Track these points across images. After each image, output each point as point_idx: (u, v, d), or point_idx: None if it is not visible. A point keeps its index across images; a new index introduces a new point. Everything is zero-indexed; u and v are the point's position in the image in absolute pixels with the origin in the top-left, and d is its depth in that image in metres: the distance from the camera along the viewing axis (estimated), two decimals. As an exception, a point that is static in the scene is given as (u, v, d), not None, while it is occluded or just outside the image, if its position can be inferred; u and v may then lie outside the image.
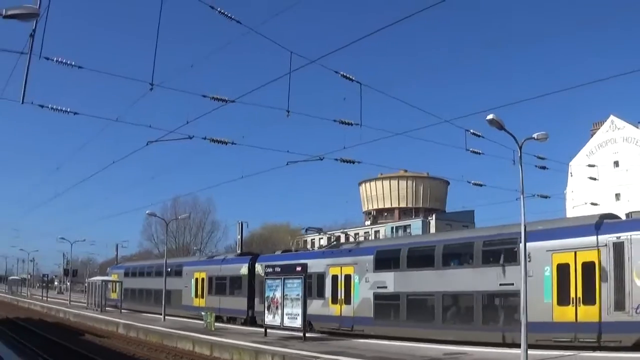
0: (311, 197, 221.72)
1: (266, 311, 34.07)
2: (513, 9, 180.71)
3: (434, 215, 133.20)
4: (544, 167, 32.24)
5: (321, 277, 38.20)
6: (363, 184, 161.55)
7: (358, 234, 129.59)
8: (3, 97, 25.43)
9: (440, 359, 23.84)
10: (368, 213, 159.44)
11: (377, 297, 34.20)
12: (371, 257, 35.29)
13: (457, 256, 31.26)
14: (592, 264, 24.74)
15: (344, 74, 25.48)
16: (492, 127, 22.59)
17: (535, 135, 23.29)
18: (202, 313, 41.04)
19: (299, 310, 31.42)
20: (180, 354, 29.35)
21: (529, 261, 24.00)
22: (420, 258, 32.76)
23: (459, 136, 29.51)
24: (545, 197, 39.00)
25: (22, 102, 21.85)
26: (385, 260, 34.82)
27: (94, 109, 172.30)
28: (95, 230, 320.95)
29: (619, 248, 24.10)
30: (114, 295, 63.70)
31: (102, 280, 61.62)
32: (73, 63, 22.55)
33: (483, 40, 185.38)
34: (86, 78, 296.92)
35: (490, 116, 22.42)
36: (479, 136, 29.14)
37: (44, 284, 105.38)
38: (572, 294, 25.22)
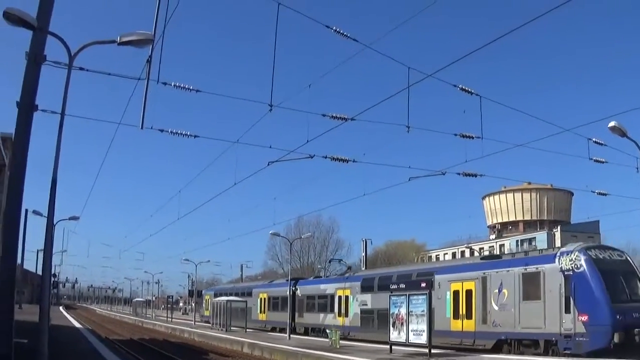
0: (434, 212, 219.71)
1: (391, 327, 33.68)
2: (631, 14, 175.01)
3: (558, 227, 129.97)
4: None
5: (332, 297, 51.72)
6: (487, 198, 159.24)
7: (483, 248, 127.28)
8: (123, 122, 25.96)
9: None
10: (492, 227, 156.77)
11: (362, 311, 47.05)
12: (359, 283, 48.32)
13: (403, 283, 36.60)
14: (471, 291, 35.69)
15: (463, 87, 25.03)
16: (614, 134, 21.76)
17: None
18: (328, 331, 41.44)
19: (424, 327, 30.75)
20: (305, 371, 29.25)
21: (439, 288, 37.56)
22: (384, 285, 41.59)
23: (581, 145, 28.68)
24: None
25: (142, 127, 22.22)
26: (367, 286, 47.29)
27: (213, 132, 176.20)
28: (219, 251, 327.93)
29: (484, 281, 34.84)
30: (207, 313, 78.61)
31: (227, 301, 62.32)
32: (191, 87, 22.83)
33: (603, 47, 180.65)
34: (205, 101, 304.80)
35: (612, 123, 21.67)
36: (601, 144, 28.17)
37: (169, 305, 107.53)
38: (461, 311, 36.28)
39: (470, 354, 32.04)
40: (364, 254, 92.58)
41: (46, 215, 15.08)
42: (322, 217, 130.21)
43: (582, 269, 29.23)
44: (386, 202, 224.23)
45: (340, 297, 50.31)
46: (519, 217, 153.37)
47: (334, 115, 24.80)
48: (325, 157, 27.80)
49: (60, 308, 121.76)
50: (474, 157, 28.46)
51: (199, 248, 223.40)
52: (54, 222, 16.59)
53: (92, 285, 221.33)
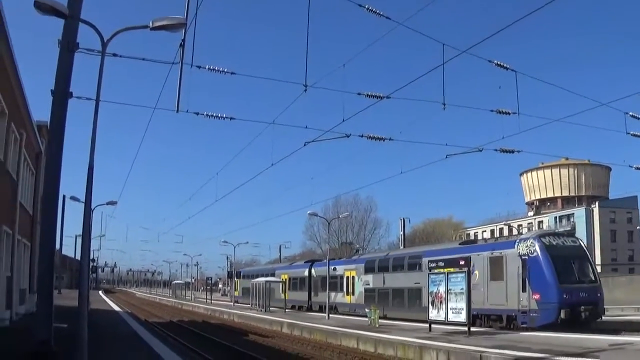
0: (472, 189, 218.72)
1: (430, 306, 33.63)
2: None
3: (596, 203, 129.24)
4: None
5: (341, 277, 56.10)
6: (524, 175, 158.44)
7: (521, 225, 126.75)
8: (158, 106, 26.04)
9: (605, 349, 22.69)
10: (530, 204, 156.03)
11: (365, 290, 51.45)
12: (363, 265, 53.00)
13: (399, 266, 46.90)
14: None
15: (498, 63, 24.75)
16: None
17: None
18: (367, 310, 41.26)
19: (464, 305, 30.66)
20: (344, 351, 29.06)
21: (426, 269, 37.58)
22: (384, 266, 49.70)
23: (619, 119, 28.29)
24: None
25: (177, 111, 22.26)
26: (369, 267, 51.92)
27: (249, 114, 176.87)
28: (258, 232, 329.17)
29: (473, 263, 34.91)
30: (236, 293, 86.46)
31: (266, 281, 62.70)
32: (226, 70, 22.80)
33: (639, 19, 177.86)
34: (239, 84, 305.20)
35: (647, 96, 21.39)
36: (639, 118, 27.82)
37: (208, 287, 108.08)
38: (458, 292, 34.87)
39: (509, 332, 31.99)
40: (402, 232, 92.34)
41: (84, 201, 15.15)
42: (359, 196, 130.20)
43: (535, 253, 33.36)
44: (424, 180, 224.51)
45: (347, 278, 55.38)
46: (557, 194, 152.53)
47: (369, 94, 24.68)
48: (362, 136, 27.67)
49: (100, 292, 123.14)
50: (510, 133, 28.28)
51: (238, 230, 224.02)
52: (92, 208, 16.67)
53: (131, 269, 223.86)
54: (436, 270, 33.56)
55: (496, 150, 28.75)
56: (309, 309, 60.52)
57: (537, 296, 32.48)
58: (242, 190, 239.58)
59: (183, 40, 20.29)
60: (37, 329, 16.75)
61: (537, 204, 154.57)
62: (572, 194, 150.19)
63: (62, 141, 17.87)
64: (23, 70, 26.95)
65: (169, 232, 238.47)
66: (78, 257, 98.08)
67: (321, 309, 56.00)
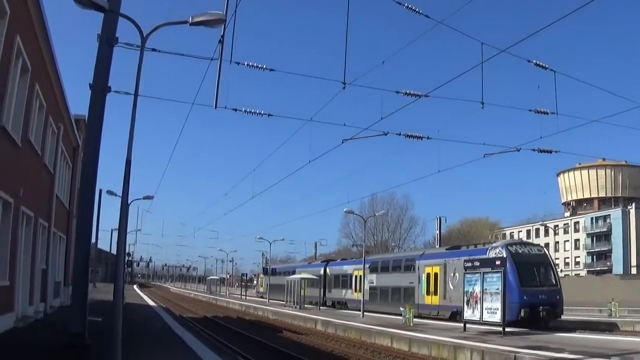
0: (509, 189, 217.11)
1: (465, 305, 33.51)
2: None
3: (633, 205, 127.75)
4: None
5: (350, 276, 61.22)
6: (561, 175, 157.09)
7: (557, 225, 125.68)
8: (197, 102, 26.11)
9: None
10: (567, 204, 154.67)
11: (370, 288, 55.56)
12: (368, 265, 55.70)
13: (397, 267, 51.93)
14: (437, 273, 45.23)
15: (537, 62, 24.55)
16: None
17: None
18: (401, 309, 41.47)
19: (499, 305, 30.43)
20: (378, 349, 28.95)
21: (418, 270, 47.96)
22: (385, 267, 55.38)
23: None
24: None
25: (216, 107, 22.30)
26: (373, 267, 56.48)
27: (287, 110, 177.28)
28: (294, 229, 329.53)
29: (445, 266, 44.42)
30: (262, 289, 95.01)
31: (301, 278, 62.77)
32: (264, 66, 22.78)
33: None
34: (278, 80, 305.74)
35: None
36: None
37: (243, 283, 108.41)
38: (431, 289, 45.74)
39: (544, 333, 31.82)
40: (437, 232, 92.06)
41: (120, 195, 15.19)
42: (396, 194, 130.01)
43: (503, 259, 34.20)
44: (461, 179, 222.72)
45: (356, 277, 59.72)
46: (594, 194, 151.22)
47: (407, 92, 24.58)
48: (399, 134, 27.62)
49: (135, 286, 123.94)
50: (548, 133, 28.03)
51: (274, 226, 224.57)
52: (129, 202, 16.68)
53: (166, 264, 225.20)
54: (471, 271, 33.35)
55: (534, 150, 28.56)
56: (323, 304, 65.04)
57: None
58: (279, 187, 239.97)
59: (222, 36, 20.32)
60: (71, 322, 16.82)
61: (574, 204, 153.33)
62: (609, 195, 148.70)
63: (100, 135, 17.92)
64: (61, 63, 27.14)
65: (205, 227, 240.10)
66: (114, 251, 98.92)
67: (333, 305, 63.74)
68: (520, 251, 38.78)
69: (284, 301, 66.80)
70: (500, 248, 39.04)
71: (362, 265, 53.97)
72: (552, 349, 23.22)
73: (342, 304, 61.18)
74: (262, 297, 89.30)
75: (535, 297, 35.84)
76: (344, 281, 62.35)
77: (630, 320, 42.85)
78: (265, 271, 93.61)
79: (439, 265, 45.09)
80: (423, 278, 46.96)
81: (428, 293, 46.00)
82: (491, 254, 38.16)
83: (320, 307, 59.69)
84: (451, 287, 42.56)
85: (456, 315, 39.62)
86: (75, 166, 39.44)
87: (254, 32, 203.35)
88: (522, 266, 36.78)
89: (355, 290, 59.08)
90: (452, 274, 42.84)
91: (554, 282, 38.37)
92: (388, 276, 53.02)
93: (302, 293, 62.16)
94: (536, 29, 20.83)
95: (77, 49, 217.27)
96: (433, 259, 46.94)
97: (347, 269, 62.66)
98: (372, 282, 55.80)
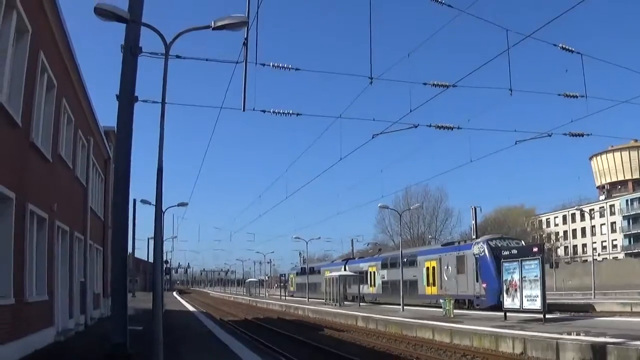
0: (543, 175, 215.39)
1: (505, 294, 33.38)
2: None
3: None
4: None
5: (365, 272, 68.54)
6: (594, 158, 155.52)
7: (593, 209, 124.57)
8: (225, 106, 26.20)
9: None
10: (601, 187, 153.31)
11: (382, 282, 63.30)
12: (380, 262, 65.37)
13: (401, 263, 52.24)
14: (435, 267, 52.20)
15: (563, 46, 24.33)
16: None
17: None
18: (441, 300, 42.15)
19: (538, 292, 30.21)
20: (420, 342, 28.85)
21: (419, 265, 54.90)
22: (393, 263, 60.71)
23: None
24: None
25: (244, 110, 22.34)
26: (384, 264, 64.01)
27: (316, 109, 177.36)
28: (329, 227, 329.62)
29: (440, 260, 51.43)
30: (292, 288, 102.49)
31: (340, 275, 63.22)
32: (290, 66, 22.80)
33: None
34: (305, 79, 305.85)
35: None
36: None
37: (282, 284, 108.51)
38: (431, 281, 52.80)
39: (585, 317, 31.67)
40: (473, 222, 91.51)
41: (154, 204, 15.25)
42: (429, 187, 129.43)
43: (483, 253, 44.50)
44: (493, 168, 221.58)
45: (371, 273, 67.57)
46: (628, 176, 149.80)
47: (435, 83, 24.51)
48: (430, 126, 27.54)
49: (174, 293, 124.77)
50: (579, 116, 27.93)
51: (309, 225, 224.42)
52: (163, 210, 16.75)
53: (204, 269, 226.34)
54: (509, 259, 33.17)
55: (565, 134, 28.35)
56: (345, 298, 67.18)
57: (484, 285, 43.63)
58: (312, 186, 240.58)
59: (246, 39, 20.31)
60: (113, 332, 16.92)
61: (608, 187, 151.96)
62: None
63: (130, 145, 17.98)
64: (86, 73, 27.34)
65: (240, 230, 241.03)
66: (151, 259, 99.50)
67: (353, 299, 67.28)
68: (499, 245, 43.70)
69: (310, 298, 75.93)
70: (481, 243, 45.56)
71: (375, 262, 66.68)
72: (593, 334, 23.09)
73: (360, 298, 65.02)
74: (292, 295, 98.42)
75: None
76: (361, 277, 67.55)
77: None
78: (303, 270, 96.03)
79: (436, 260, 52.41)
80: (423, 272, 54.27)
81: (428, 285, 53.46)
82: (475, 249, 45.81)
83: (343, 303, 61.97)
84: (446, 278, 50.22)
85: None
86: (107, 178, 39.74)
87: (277, 33, 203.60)
88: (500, 258, 37.33)
89: (371, 285, 67.17)
90: (446, 267, 50.32)
91: None
92: (396, 271, 55.97)
93: (342, 290, 63.10)
94: (560, 12, 20.66)
95: (101, 59, 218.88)
96: (431, 254, 54.72)
97: (363, 266, 70.42)
98: (384, 277, 63.45)
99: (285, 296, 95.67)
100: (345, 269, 72.34)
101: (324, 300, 66.83)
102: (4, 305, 15.68)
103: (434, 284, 52.13)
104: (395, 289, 54.28)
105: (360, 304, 60.39)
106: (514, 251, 35.18)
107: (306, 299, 74.29)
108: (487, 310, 42.08)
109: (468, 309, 45.12)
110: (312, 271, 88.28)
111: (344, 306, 57.56)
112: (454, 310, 39.28)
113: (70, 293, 27.02)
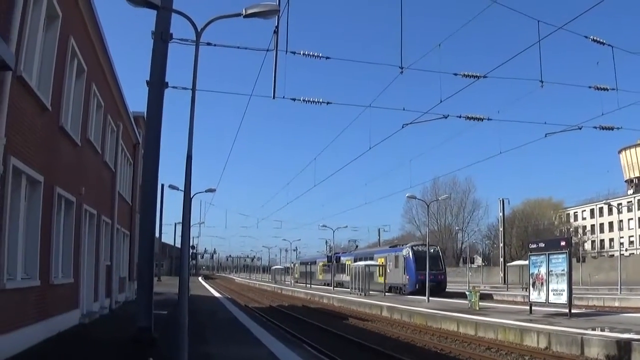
0: (571, 168, 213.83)
1: (531, 288, 33.11)
2: None
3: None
4: None
5: (344, 264, 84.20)
6: (623, 152, 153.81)
7: (621, 204, 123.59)
8: (255, 94, 26.23)
9: None
10: (630, 181, 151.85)
11: (354, 272, 68.05)
12: (352, 257, 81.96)
13: (366, 258, 72.19)
14: (383, 263, 69.38)
15: (595, 38, 24.13)
16: None
17: None
18: (467, 292, 42.03)
19: (564, 286, 29.95)
20: (444, 334, 28.80)
21: (375, 261, 72.13)
22: (360, 258, 76.48)
23: None
24: None
25: (274, 97, 22.40)
26: (357, 258, 77.78)
27: (346, 98, 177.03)
28: (357, 216, 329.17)
29: (387, 258, 69.26)
30: (296, 275, 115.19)
31: (365, 265, 63.72)
32: (320, 55, 22.81)
33: None
34: (335, 68, 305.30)
35: None
36: None
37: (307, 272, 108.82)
38: (380, 272, 68.85)
39: (609, 314, 31.40)
40: (501, 214, 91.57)
41: (183, 189, 15.32)
42: (457, 177, 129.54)
43: (408, 255, 63.04)
44: (522, 160, 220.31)
45: (347, 265, 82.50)
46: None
47: (465, 73, 24.41)
48: (459, 117, 27.50)
49: (200, 278, 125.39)
50: (609, 109, 27.63)
51: (337, 214, 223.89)
52: (191, 195, 16.83)
53: (230, 255, 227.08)
54: (536, 252, 32.92)
55: (595, 127, 28.14)
56: (335, 285, 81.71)
57: (407, 277, 62.65)
58: (341, 174, 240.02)
59: (277, 26, 20.35)
60: (138, 316, 17.03)
61: (637, 181, 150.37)
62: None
63: (160, 131, 18.07)
64: (116, 59, 27.43)
65: (268, 217, 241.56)
66: (178, 244, 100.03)
67: (338, 285, 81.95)
68: (420, 249, 61.48)
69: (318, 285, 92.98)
70: (407, 248, 64.67)
71: (349, 257, 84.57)
72: (619, 330, 22.99)
73: (340, 285, 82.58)
74: (297, 282, 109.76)
75: (424, 276, 51.12)
76: (342, 268, 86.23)
77: None
78: (299, 262, 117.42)
79: (384, 257, 70.64)
80: (377, 266, 70.48)
81: (380, 275, 69.08)
82: (404, 251, 64.65)
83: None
84: (389, 271, 67.50)
85: (391, 289, 65.22)
86: (136, 163, 39.92)
87: (308, 21, 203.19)
88: (419, 259, 58.81)
89: (347, 274, 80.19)
90: (389, 263, 68.28)
91: (441, 268, 62.43)
92: (363, 264, 66.99)
93: (368, 280, 63.43)
94: (592, 4, 20.47)
95: (131, 44, 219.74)
96: (381, 253, 74.38)
97: (344, 259, 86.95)
98: (356, 268, 74.09)
99: (308, 285, 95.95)
100: (338, 261, 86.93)
101: (349, 290, 66.94)
102: (29, 287, 15.81)
103: (382, 275, 68.07)
104: (362, 277, 64.69)
105: (386, 293, 61.90)
106: (429, 254, 50.90)
107: (331, 288, 78.70)
108: (409, 295, 58.89)
109: (400, 294, 61.73)
110: (312, 262, 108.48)
111: (370, 296, 57.39)
112: (479, 303, 38.83)
113: (96, 276, 27.19)
